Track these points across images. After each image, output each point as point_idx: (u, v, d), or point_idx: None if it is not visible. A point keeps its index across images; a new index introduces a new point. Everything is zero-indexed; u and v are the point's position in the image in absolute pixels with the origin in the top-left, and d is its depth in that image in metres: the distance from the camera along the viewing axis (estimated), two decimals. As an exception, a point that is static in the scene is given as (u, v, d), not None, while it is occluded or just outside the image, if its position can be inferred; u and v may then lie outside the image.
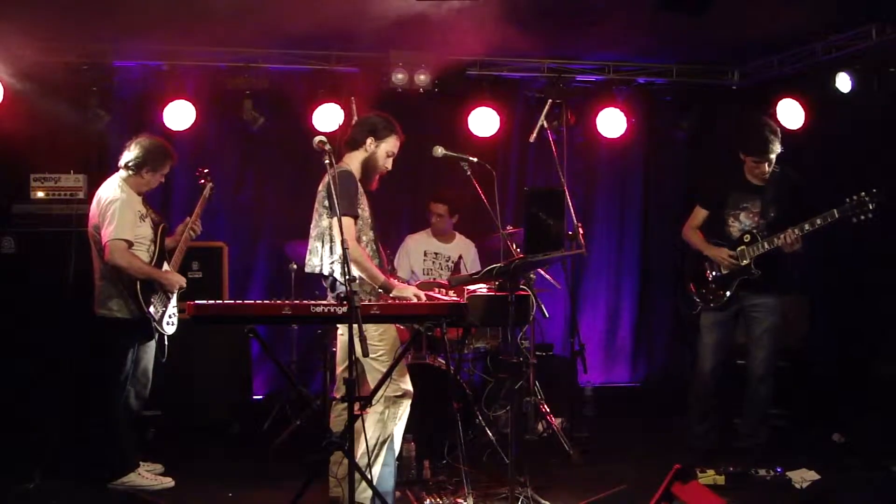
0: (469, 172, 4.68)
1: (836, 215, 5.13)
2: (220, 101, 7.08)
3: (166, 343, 5.18)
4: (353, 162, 4.56)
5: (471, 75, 7.28)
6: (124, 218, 4.95)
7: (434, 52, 6.85)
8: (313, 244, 4.52)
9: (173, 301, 5.22)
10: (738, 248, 5.49)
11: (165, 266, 5.22)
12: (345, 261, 3.86)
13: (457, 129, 7.27)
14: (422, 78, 6.90)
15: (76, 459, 5.29)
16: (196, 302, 3.77)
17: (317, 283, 4.51)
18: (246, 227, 7.56)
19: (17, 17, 5.54)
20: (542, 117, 5.57)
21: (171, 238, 5.35)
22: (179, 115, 6.87)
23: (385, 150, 4.60)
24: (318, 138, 4.19)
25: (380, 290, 4.42)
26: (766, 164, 5.43)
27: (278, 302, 3.93)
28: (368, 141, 4.56)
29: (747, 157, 5.50)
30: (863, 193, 5.07)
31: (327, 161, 4.12)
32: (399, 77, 6.87)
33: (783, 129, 7.00)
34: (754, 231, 5.48)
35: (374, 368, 4.44)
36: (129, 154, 5.11)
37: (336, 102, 6.89)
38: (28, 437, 5.59)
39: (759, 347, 5.55)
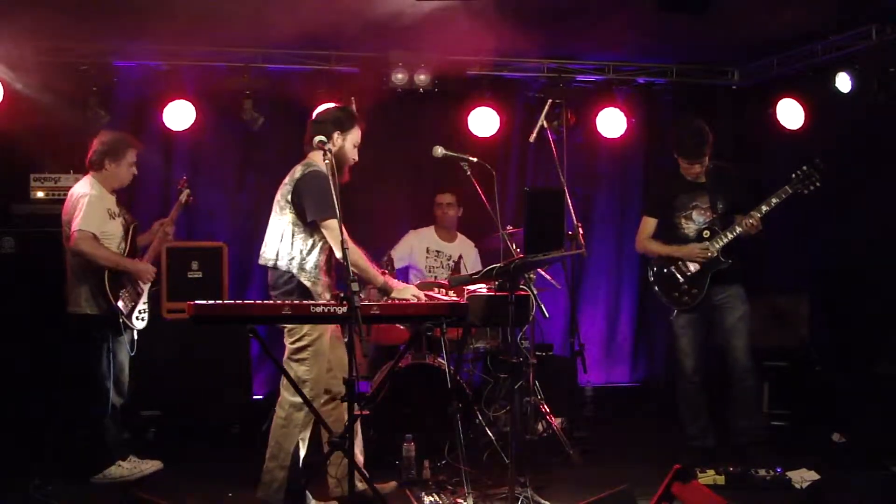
0: (469, 172, 4.68)
1: (790, 191, 5.36)
2: (220, 101, 7.06)
3: (135, 338, 5.22)
4: (321, 160, 4.35)
5: (471, 75, 7.27)
6: (93, 211, 5.03)
7: (434, 52, 6.85)
8: (270, 236, 4.49)
9: (144, 297, 5.27)
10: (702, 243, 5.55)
11: None
12: (346, 263, 3.85)
13: (457, 129, 7.26)
14: (422, 78, 6.89)
15: (71, 458, 5.30)
16: (196, 302, 3.77)
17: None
18: (246, 227, 7.53)
19: (18, 17, 5.54)
20: (542, 117, 5.57)
21: (143, 236, 5.42)
22: (179, 115, 6.86)
23: (352, 141, 4.57)
24: (317, 138, 4.20)
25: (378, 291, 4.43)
26: (698, 166, 5.54)
27: (278, 302, 3.93)
28: (335, 136, 4.49)
29: (679, 158, 5.61)
30: (805, 167, 5.33)
31: (327, 161, 4.12)
32: (399, 77, 6.86)
33: (783, 129, 7.07)
34: (711, 226, 5.54)
35: (290, 367, 4.39)
36: (92, 153, 5.23)
37: (336, 102, 6.85)
38: (28, 437, 5.59)
39: (737, 335, 5.55)
